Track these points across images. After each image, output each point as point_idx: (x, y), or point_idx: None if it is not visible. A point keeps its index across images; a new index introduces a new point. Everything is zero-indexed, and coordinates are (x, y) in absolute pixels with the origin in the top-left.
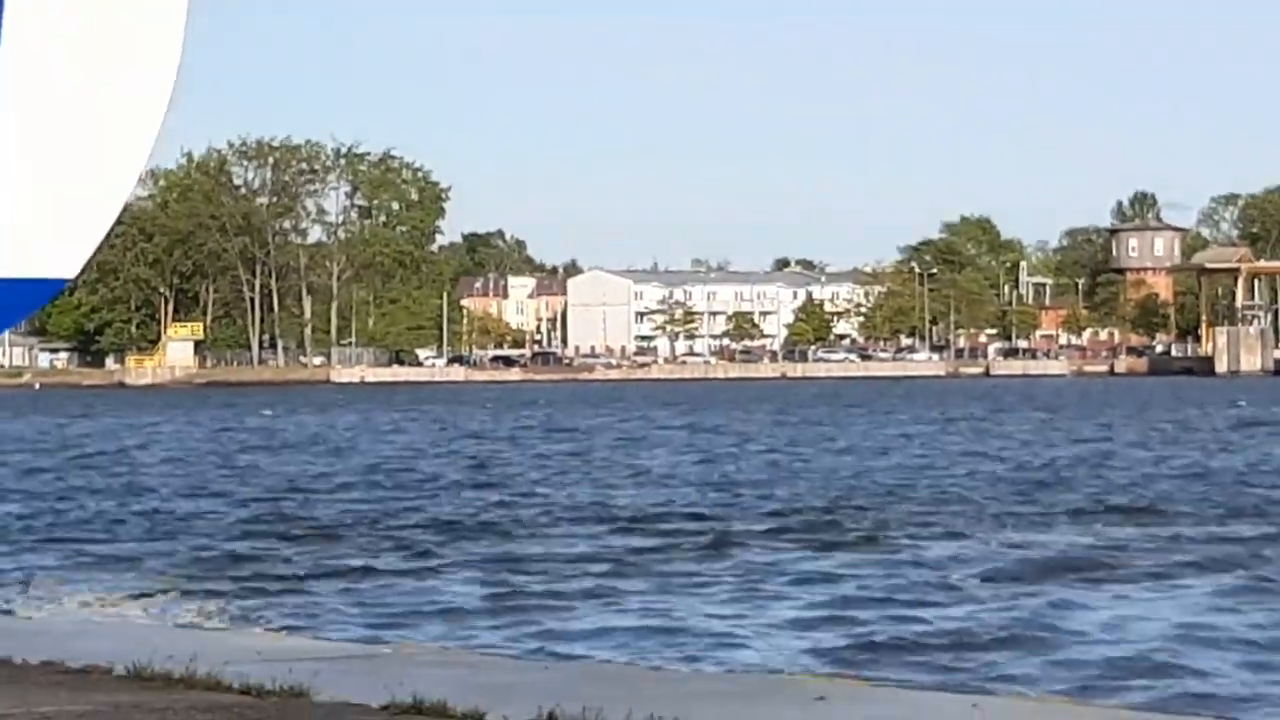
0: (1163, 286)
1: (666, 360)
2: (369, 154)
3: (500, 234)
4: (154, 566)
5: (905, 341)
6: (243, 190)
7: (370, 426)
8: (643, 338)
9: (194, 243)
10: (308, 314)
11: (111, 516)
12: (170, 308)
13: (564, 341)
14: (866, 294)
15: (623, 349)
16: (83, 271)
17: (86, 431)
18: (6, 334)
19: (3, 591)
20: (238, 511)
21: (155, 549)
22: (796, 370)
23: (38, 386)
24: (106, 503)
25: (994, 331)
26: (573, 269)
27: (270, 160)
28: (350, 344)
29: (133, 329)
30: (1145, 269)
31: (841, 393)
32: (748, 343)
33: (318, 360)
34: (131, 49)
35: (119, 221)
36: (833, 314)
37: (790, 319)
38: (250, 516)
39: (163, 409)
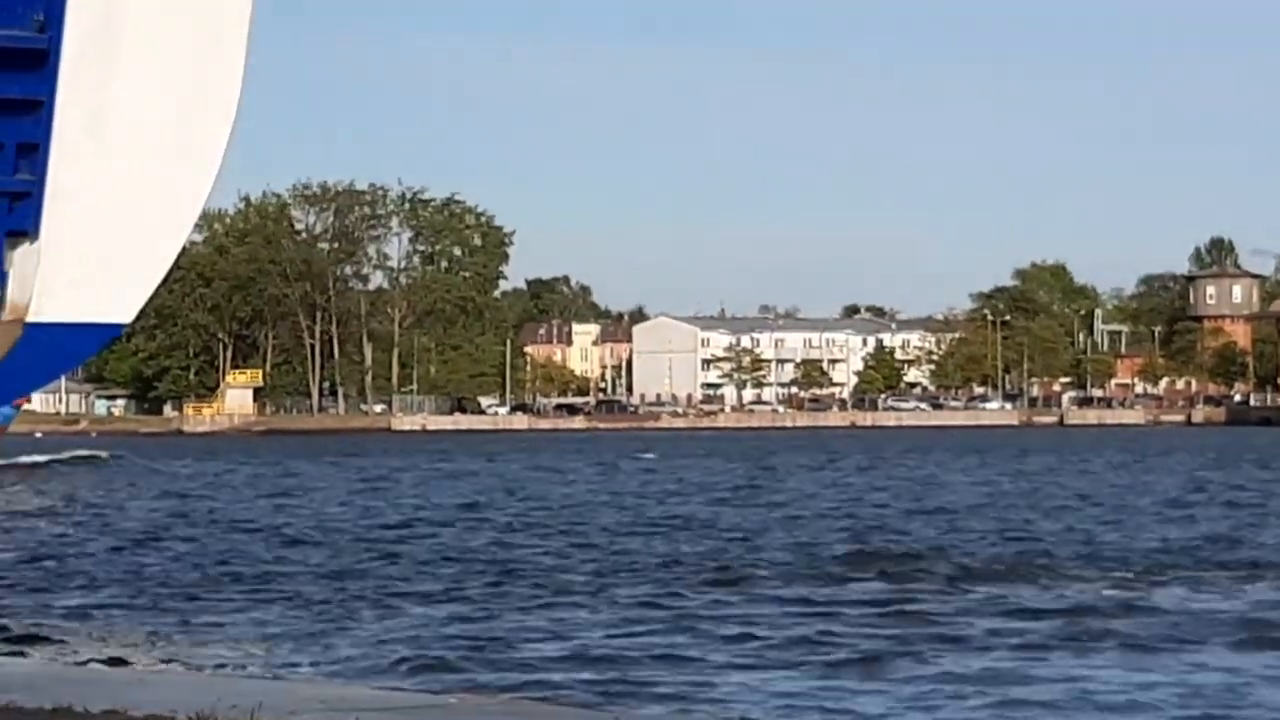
0: (1241, 335)
1: (733, 408)
2: (433, 199)
3: (565, 280)
4: None
5: (977, 390)
6: (304, 235)
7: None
8: (709, 385)
9: (254, 288)
10: (369, 361)
11: None
12: (229, 354)
13: (629, 389)
14: (938, 341)
15: (689, 397)
16: (140, 317)
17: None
18: (63, 380)
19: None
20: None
21: None
22: (866, 419)
23: (94, 435)
24: None
25: (1068, 380)
26: (638, 316)
27: (333, 205)
28: (412, 391)
29: (191, 376)
30: (1223, 317)
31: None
32: (816, 391)
33: (378, 408)
34: (188, 92)
35: (177, 266)
36: (903, 362)
37: (860, 367)
38: None
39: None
